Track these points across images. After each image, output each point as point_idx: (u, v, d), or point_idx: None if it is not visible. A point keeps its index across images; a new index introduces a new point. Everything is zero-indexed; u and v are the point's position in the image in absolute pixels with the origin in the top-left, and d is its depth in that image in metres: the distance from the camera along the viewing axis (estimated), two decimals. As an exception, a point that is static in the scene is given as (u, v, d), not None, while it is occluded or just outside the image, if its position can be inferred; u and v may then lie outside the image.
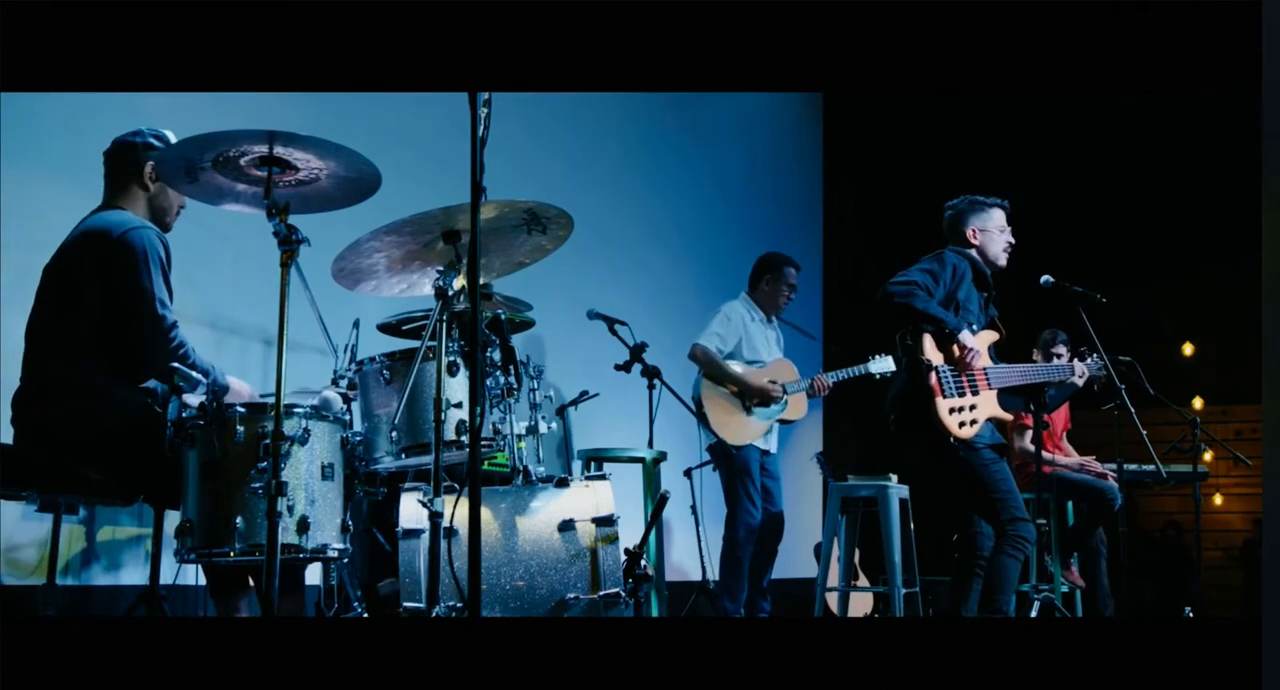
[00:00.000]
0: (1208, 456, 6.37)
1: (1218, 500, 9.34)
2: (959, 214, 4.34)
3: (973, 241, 4.28)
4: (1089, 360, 4.71)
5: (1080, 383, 4.66)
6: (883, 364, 5.70)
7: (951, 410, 3.99)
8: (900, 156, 8.82)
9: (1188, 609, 6.24)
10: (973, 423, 4.02)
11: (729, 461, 5.33)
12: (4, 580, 3.65)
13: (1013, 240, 4.33)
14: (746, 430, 5.38)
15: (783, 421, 5.57)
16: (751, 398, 5.39)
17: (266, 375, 3.36)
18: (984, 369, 4.12)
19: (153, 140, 3.26)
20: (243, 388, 3.28)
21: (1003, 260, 4.31)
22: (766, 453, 5.50)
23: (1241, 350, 6.04)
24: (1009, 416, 4.20)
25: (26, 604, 3.56)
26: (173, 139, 3.22)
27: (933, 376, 4.00)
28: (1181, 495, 6.58)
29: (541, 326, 4.86)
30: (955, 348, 4.07)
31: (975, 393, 4.07)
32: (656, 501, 3.35)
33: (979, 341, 4.12)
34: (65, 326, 3.14)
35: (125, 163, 3.27)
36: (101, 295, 3.11)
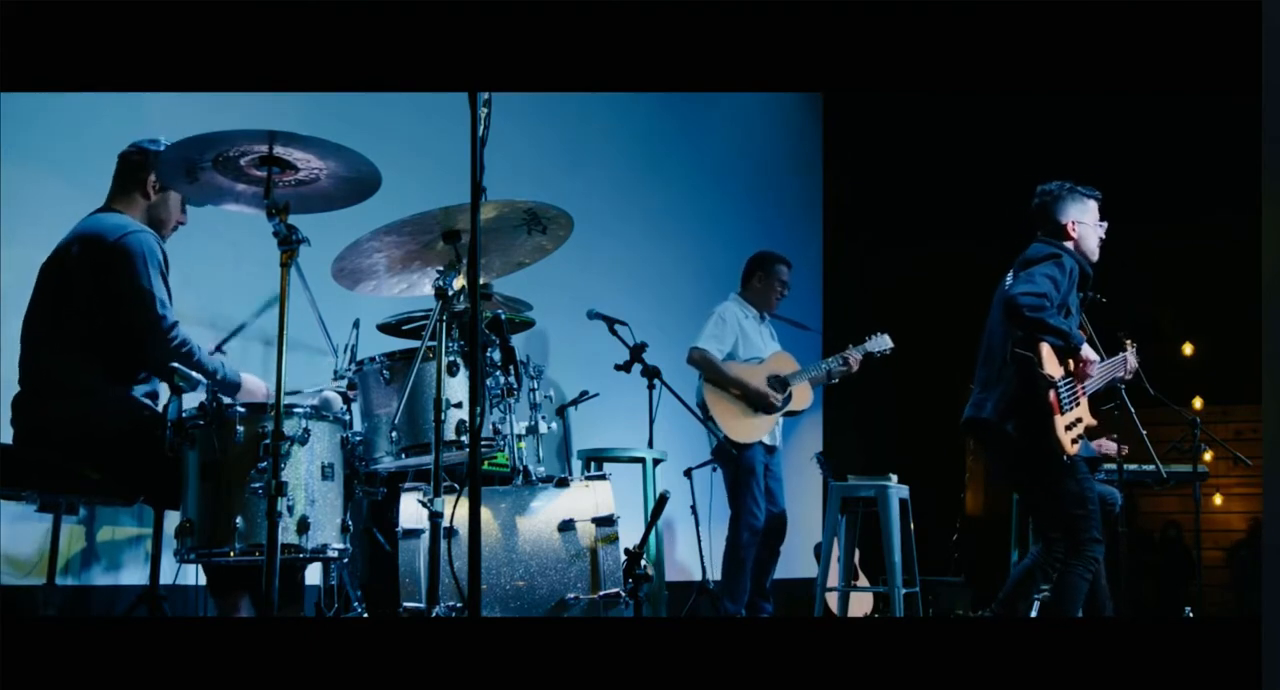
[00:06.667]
0: (1208, 456, 6.37)
1: (1218, 500, 9.34)
2: (1056, 201, 4.08)
3: (1071, 234, 4.05)
4: (1129, 352, 4.46)
5: (1128, 376, 4.42)
6: (879, 342, 5.69)
7: (1067, 427, 3.88)
8: (900, 156, 8.82)
9: (1188, 609, 6.25)
10: (1080, 437, 3.94)
11: (734, 463, 5.33)
12: (4, 580, 3.65)
13: (1103, 235, 4.13)
14: (754, 428, 5.37)
15: (789, 414, 5.56)
16: (753, 400, 5.39)
17: (267, 376, 3.36)
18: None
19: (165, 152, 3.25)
20: (258, 386, 3.28)
21: (1096, 255, 4.11)
22: (772, 450, 5.49)
23: (1241, 350, 6.04)
24: (1096, 422, 4.07)
25: (26, 604, 3.56)
26: None
27: (1052, 394, 3.86)
28: (1181, 495, 6.58)
29: (541, 326, 4.86)
30: (1072, 361, 3.93)
31: (1078, 404, 3.97)
32: (656, 501, 3.35)
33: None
34: (63, 329, 3.14)
35: (134, 168, 3.27)
36: (100, 298, 3.11)
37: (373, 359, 3.17)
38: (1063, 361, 3.95)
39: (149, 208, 3.28)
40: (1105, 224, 4.15)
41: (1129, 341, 4.41)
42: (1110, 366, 4.30)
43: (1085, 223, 4.08)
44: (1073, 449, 3.90)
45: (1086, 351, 3.95)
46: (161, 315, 3.10)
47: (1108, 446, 5.72)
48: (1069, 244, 4.05)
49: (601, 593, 3.12)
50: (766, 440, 5.43)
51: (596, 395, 5.36)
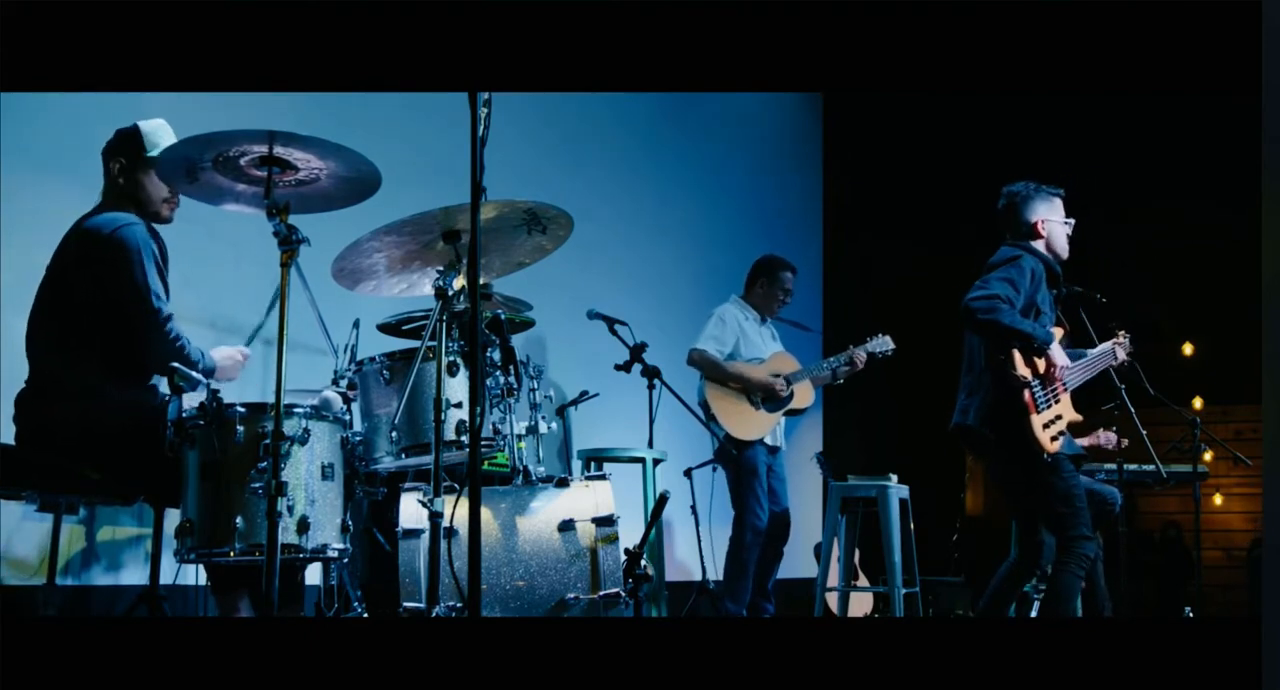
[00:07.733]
0: (1208, 456, 6.35)
1: (1218, 500, 9.31)
2: (1024, 201, 4.12)
3: (1040, 233, 4.09)
4: (1122, 341, 4.43)
5: (1118, 363, 4.39)
6: (881, 343, 5.69)
7: (1044, 425, 3.89)
8: (900, 156, 8.82)
9: (1188, 609, 6.24)
10: (1060, 434, 3.94)
11: (736, 463, 5.32)
12: (4, 580, 3.65)
13: (1070, 232, 4.15)
14: (757, 425, 5.37)
15: (791, 412, 5.56)
16: (757, 393, 5.39)
17: (266, 376, 3.35)
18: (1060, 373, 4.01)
19: (122, 138, 3.24)
20: (229, 355, 3.29)
21: (1066, 252, 4.14)
22: (775, 450, 5.49)
23: (1241, 350, 6.04)
24: (1080, 418, 4.07)
25: (26, 604, 3.56)
26: (145, 129, 3.21)
27: (1026, 394, 3.88)
28: (1181, 495, 6.57)
29: (541, 326, 4.86)
30: (1042, 361, 3.94)
31: (1057, 401, 3.98)
32: (657, 501, 3.35)
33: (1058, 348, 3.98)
34: (63, 326, 3.14)
35: (105, 160, 3.27)
36: (97, 294, 3.11)
37: (373, 359, 3.17)
38: (1029, 362, 3.95)
39: (128, 194, 3.23)
40: (1072, 221, 4.18)
41: (1121, 332, 4.41)
42: (1096, 359, 4.30)
43: (1053, 220, 4.12)
44: (1053, 446, 3.90)
45: (1055, 353, 3.95)
46: (156, 309, 3.09)
47: (1106, 438, 5.69)
48: (1039, 243, 4.09)
49: (601, 593, 3.12)
50: (768, 440, 5.43)
51: (596, 395, 5.36)
